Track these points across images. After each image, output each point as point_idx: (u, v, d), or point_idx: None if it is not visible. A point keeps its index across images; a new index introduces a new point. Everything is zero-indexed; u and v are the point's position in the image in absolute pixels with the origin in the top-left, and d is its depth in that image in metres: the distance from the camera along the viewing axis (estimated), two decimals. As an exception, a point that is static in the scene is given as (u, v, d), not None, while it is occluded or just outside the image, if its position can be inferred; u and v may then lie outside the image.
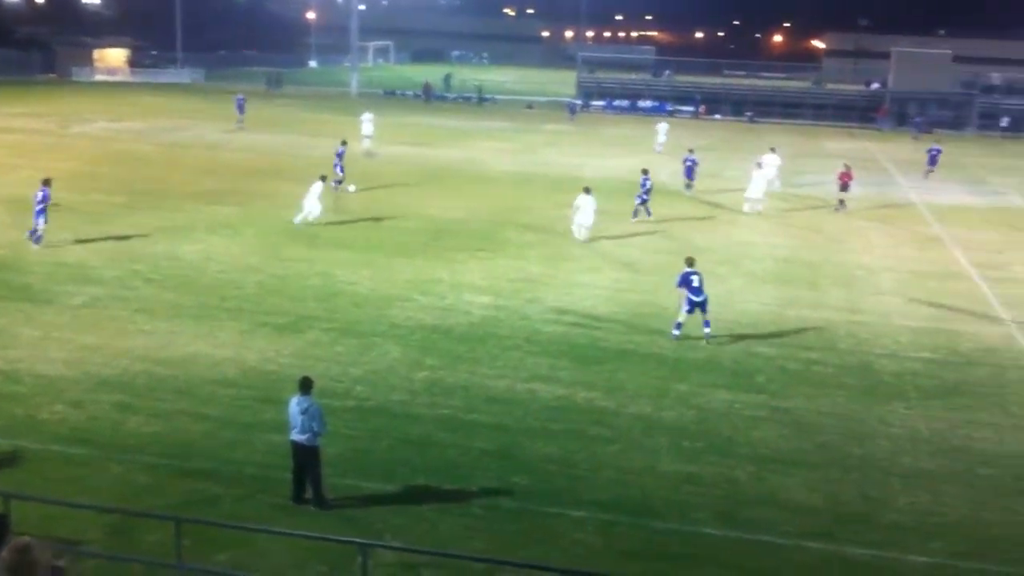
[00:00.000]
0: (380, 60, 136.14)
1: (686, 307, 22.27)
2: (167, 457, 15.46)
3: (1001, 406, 19.44)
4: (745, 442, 17.15)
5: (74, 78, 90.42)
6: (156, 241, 29.01)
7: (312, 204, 31.81)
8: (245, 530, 13.01)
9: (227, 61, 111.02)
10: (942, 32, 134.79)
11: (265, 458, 15.48)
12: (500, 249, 30.44)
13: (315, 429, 13.90)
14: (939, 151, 51.11)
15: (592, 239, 31.87)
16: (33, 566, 6.46)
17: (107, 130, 55.73)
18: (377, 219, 33.49)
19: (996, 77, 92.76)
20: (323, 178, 33.16)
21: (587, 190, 32.81)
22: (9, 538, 7.28)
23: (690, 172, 41.93)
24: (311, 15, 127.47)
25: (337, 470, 14.90)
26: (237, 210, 34.22)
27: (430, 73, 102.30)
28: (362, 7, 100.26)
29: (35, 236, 27.29)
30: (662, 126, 59.28)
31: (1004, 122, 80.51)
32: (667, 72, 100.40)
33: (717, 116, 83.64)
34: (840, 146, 65.34)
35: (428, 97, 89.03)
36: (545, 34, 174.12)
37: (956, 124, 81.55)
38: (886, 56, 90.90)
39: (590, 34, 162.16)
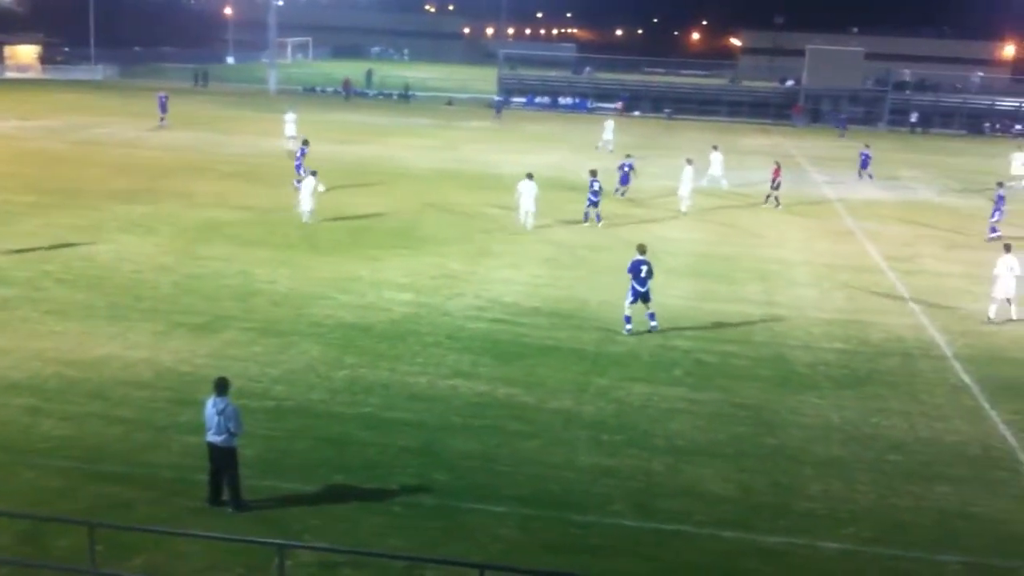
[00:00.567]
0: (299, 56, 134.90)
1: (630, 297, 22.49)
2: (79, 461, 15.16)
3: (911, 394, 19.97)
4: (662, 434, 17.38)
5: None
6: (68, 241, 28.36)
7: (306, 200, 32.16)
8: (160, 533, 12.81)
9: (142, 58, 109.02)
10: (855, 30, 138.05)
11: (181, 460, 15.25)
12: (420, 246, 30.38)
13: (231, 430, 13.74)
14: (868, 156, 50.42)
15: (512, 234, 32.00)
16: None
17: (17, 128, 54.28)
18: (296, 217, 33.20)
19: (907, 74, 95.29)
20: (314, 173, 33.17)
21: (529, 176, 33.12)
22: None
23: (625, 179, 40.31)
24: (228, 11, 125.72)
25: (255, 471, 14.76)
26: (151, 209, 33.63)
27: (350, 69, 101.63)
28: (280, 2, 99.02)
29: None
30: (608, 124, 58.44)
31: (914, 118, 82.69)
32: (587, 69, 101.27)
33: (636, 113, 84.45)
34: (756, 143, 66.50)
35: (348, 94, 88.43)
36: (466, 31, 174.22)
37: (868, 120, 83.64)
38: (801, 54, 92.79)
39: (511, 31, 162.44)
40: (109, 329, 21.20)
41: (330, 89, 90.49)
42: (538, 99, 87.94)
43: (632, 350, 21.72)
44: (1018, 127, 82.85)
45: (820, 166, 55.11)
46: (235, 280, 25.46)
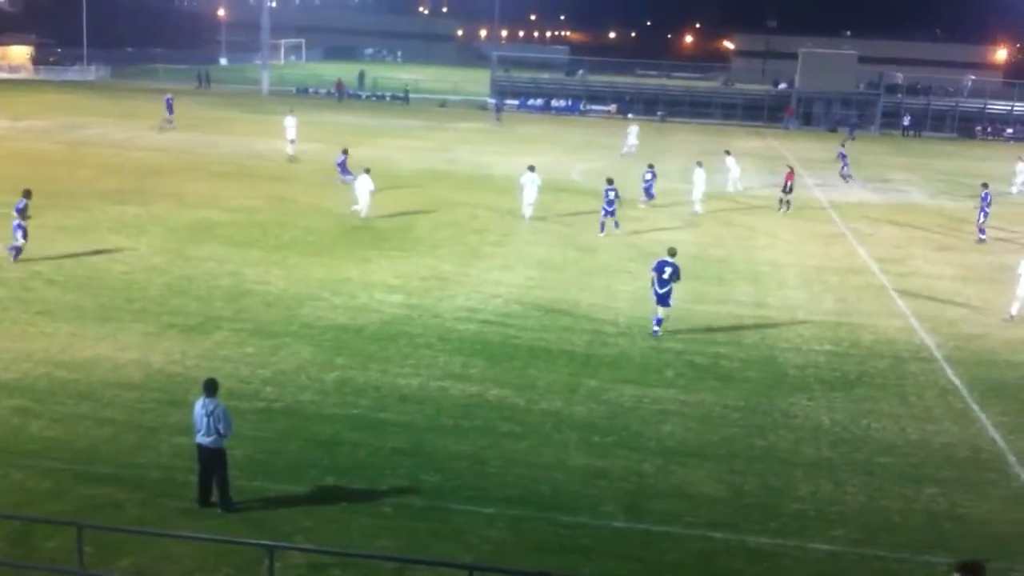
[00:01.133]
0: (292, 57, 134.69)
1: (654, 297, 22.60)
2: (69, 462, 15.12)
3: (900, 396, 20.01)
4: (653, 436, 17.39)
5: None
6: (58, 241, 28.31)
7: (364, 196, 33.09)
8: (149, 535, 12.79)
9: (135, 59, 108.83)
10: (848, 33, 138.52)
11: (170, 461, 15.23)
12: (412, 247, 30.37)
13: (220, 431, 13.72)
14: (844, 155, 51.11)
15: (503, 235, 32.02)
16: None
17: (8, 129, 54.16)
18: (289, 218, 33.15)
19: (899, 77, 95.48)
20: (367, 171, 33.99)
21: (531, 168, 33.30)
22: None
23: (650, 190, 39.55)
24: (221, 12, 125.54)
25: (245, 472, 14.75)
26: (143, 209, 33.57)
27: (343, 71, 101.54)
28: (273, 4, 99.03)
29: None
30: (633, 128, 57.73)
31: (906, 121, 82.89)
32: (581, 72, 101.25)
33: (630, 115, 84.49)
34: (749, 145, 66.56)
35: (341, 95, 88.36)
36: (459, 33, 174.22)
37: (860, 123, 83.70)
38: (793, 57, 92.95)
39: (504, 33, 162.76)
40: (99, 330, 21.15)
41: (323, 91, 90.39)
42: (531, 101, 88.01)
43: (623, 352, 21.73)
44: (1009, 131, 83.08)
45: (811, 169, 55.17)
46: (226, 281, 25.43)
